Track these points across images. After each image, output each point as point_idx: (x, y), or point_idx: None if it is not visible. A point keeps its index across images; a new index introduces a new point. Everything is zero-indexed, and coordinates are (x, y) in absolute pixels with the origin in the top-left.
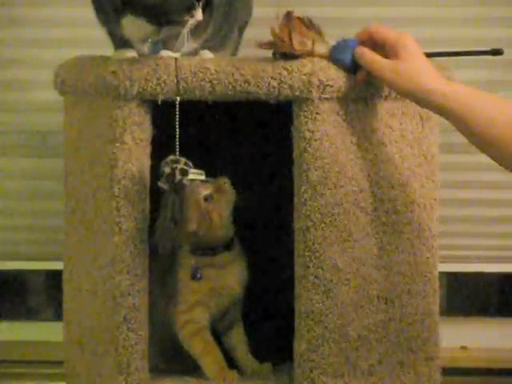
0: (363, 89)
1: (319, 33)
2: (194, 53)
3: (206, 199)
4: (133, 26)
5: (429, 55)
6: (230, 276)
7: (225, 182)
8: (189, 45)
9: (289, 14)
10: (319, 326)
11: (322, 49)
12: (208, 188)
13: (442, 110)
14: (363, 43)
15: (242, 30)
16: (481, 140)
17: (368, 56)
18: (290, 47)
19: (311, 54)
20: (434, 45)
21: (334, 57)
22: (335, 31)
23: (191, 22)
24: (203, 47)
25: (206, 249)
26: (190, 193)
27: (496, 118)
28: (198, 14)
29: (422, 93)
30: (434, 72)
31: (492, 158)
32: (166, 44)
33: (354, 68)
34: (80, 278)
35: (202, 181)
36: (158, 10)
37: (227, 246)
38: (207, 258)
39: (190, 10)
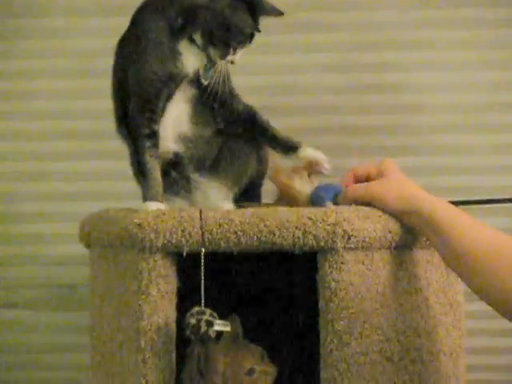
0: (388, 239)
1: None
2: None
3: (248, 373)
4: None
5: (453, 203)
6: None
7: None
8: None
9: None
10: None
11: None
12: (253, 358)
13: (430, 220)
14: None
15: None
16: (457, 261)
17: (356, 187)
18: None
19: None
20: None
21: (315, 194)
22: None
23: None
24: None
25: None
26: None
27: (481, 243)
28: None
29: (412, 198)
30: (418, 186)
31: (469, 284)
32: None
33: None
34: None
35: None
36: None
37: None
38: None
39: (251, 33)
